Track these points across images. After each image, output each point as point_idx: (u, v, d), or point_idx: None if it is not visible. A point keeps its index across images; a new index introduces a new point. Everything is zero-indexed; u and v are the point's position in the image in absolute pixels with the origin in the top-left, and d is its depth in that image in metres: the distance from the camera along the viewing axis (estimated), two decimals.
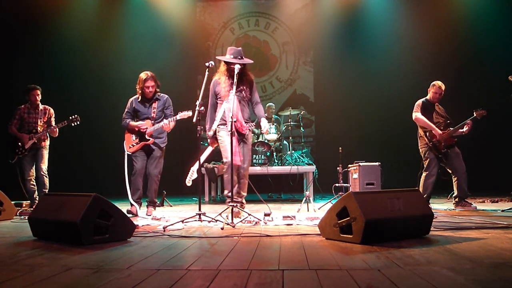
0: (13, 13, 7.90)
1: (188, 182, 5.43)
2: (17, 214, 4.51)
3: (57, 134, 5.39)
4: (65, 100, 7.36)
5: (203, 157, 5.00)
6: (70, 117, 5.27)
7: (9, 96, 7.57)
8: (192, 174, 5.06)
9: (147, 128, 4.58)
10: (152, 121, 4.63)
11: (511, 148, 7.63)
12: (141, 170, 4.61)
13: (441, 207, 5.23)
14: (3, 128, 5.46)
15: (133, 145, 4.62)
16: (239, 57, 4.31)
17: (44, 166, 5.31)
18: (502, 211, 4.43)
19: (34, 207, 4.56)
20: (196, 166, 4.92)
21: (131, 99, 4.75)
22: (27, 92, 5.36)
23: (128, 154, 4.61)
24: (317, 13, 9.59)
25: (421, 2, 8.77)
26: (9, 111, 5.49)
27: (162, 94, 4.76)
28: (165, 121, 4.55)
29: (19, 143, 5.23)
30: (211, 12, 9.92)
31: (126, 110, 4.73)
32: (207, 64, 3.99)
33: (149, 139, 4.61)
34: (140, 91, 4.64)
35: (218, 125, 4.37)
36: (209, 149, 4.85)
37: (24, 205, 5.14)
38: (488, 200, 5.93)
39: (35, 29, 8.30)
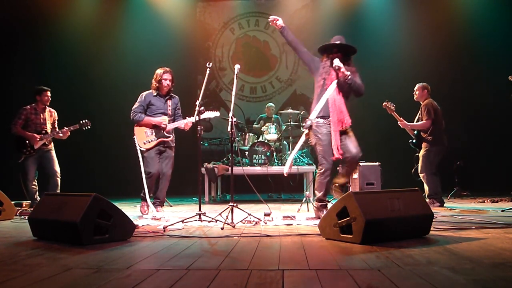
0: (14, 13, 7.90)
1: (286, 174, 5.20)
2: (17, 214, 4.50)
3: (66, 137, 5.36)
4: (65, 100, 7.36)
5: (298, 147, 4.62)
6: (81, 121, 5.31)
7: (9, 96, 7.58)
8: (292, 164, 4.76)
9: (166, 125, 4.55)
10: (168, 118, 4.64)
11: (511, 148, 7.63)
12: (157, 173, 4.57)
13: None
14: (2, 129, 5.45)
15: (148, 141, 4.54)
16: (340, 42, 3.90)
17: (58, 168, 5.31)
18: (502, 211, 4.43)
19: (34, 207, 4.56)
20: (292, 155, 4.62)
21: (144, 93, 4.68)
22: (39, 92, 5.31)
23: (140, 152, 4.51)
24: (317, 13, 9.59)
25: (422, 3, 8.76)
26: (9, 112, 5.48)
27: (174, 95, 4.81)
28: (188, 119, 4.53)
29: (27, 143, 5.17)
30: (211, 12, 9.92)
31: (138, 103, 4.62)
32: (207, 64, 3.96)
33: (169, 136, 4.60)
34: (156, 85, 4.62)
35: (317, 116, 3.84)
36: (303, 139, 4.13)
37: (24, 205, 5.13)
38: (488, 200, 5.93)
39: (35, 30, 8.30)
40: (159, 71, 4.66)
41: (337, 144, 3.74)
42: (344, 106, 3.80)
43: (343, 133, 3.82)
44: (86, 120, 5.34)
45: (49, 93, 5.38)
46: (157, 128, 4.58)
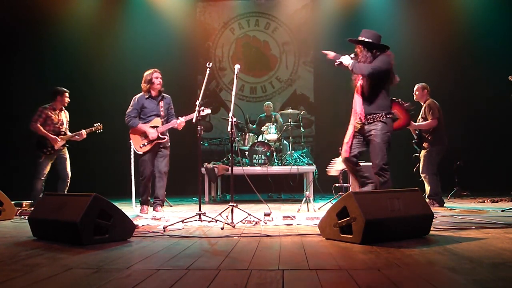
0: (14, 13, 7.90)
1: (329, 172, 5.22)
2: (17, 214, 4.51)
3: (82, 139, 5.37)
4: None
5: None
6: (95, 124, 5.39)
7: (9, 96, 7.58)
8: (334, 163, 4.78)
9: (157, 135, 4.56)
10: (162, 119, 4.66)
11: (511, 148, 7.62)
12: (150, 174, 4.64)
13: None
14: (2, 129, 5.44)
15: (144, 145, 4.59)
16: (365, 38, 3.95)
17: (69, 171, 5.33)
18: (502, 211, 4.43)
19: (34, 207, 4.56)
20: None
21: (136, 96, 4.70)
22: (60, 93, 5.29)
23: (134, 156, 4.58)
24: (317, 13, 9.59)
25: (422, 3, 8.76)
26: (9, 112, 5.47)
27: (165, 95, 4.81)
28: (180, 118, 4.57)
29: (48, 143, 5.16)
30: (211, 12, 9.92)
31: (131, 107, 4.65)
32: (207, 64, 3.95)
33: (164, 137, 4.63)
34: (147, 86, 4.63)
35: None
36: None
37: (24, 205, 5.12)
38: (488, 200, 5.93)
39: (35, 30, 8.29)
40: (147, 72, 4.70)
41: (345, 141, 3.95)
42: (361, 99, 3.90)
43: (364, 138, 3.94)
44: (99, 124, 5.42)
45: (68, 95, 5.40)
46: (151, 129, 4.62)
